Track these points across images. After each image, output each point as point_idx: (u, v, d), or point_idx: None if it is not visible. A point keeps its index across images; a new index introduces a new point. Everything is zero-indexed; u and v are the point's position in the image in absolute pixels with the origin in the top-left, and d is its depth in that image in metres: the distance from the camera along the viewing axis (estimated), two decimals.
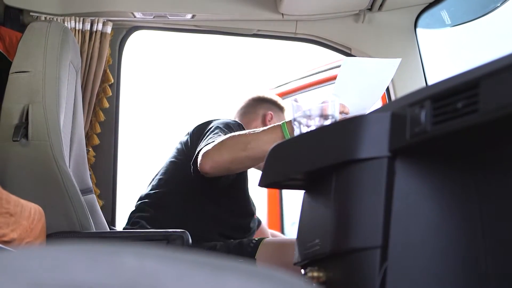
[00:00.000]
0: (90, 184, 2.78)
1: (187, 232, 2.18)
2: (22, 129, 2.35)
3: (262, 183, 1.51)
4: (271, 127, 2.26)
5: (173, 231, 2.20)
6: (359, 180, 1.23)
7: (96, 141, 3.10)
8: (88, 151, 2.99)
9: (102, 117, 3.12)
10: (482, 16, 2.91)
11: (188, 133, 2.69)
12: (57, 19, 2.90)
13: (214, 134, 2.44)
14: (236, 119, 2.84)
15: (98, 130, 3.10)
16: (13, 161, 2.37)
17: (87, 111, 3.01)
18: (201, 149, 2.34)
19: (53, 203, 2.33)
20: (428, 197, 1.19)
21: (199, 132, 2.59)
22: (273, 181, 1.50)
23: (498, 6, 2.80)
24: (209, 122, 2.62)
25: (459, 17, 3.09)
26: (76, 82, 2.70)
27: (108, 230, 2.78)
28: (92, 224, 2.44)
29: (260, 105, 2.96)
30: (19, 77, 2.44)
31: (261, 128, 2.30)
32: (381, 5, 2.95)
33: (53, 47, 2.46)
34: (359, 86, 2.32)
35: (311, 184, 1.45)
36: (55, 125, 2.38)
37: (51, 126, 2.37)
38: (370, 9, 3.02)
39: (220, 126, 2.51)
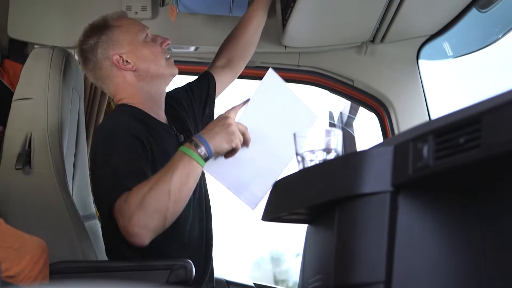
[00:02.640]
0: (93, 209, 2.77)
1: (190, 261, 2.09)
2: (25, 157, 2.35)
3: (265, 218, 1.51)
4: (176, 159, 2.04)
5: (176, 261, 2.15)
6: (362, 215, 1.23)
7: None
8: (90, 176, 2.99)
9: None
10: (484, 48, 2.93)
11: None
12: None
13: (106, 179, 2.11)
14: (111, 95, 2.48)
15: None
16: (16, 189, 2.37)
17: (90, 144, 3.01)
18: (119, 217, 2.01)
19: (56, 231, 2.33)
20: (431, 231, 1.19)
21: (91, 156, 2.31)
22: (276, 215, 1.50)
23: (500, 38, 2.81)
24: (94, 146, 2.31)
25: (461, 48, 3.11)
26: (79, 107, 2.71)
27: None
28: (95, 251, 2.43)
29: (95, 51, 2.38)
30: (21, 104, 2.45)
31: (165, 168, 2.04)
32: (383, 37, 2.97)
33: (56, 73, 2.47)
34: (271, 117, 2.18)
35: (314, 218, 1.45)
36: (58, 152, 2.39)
37: (54, 154, 2.38)
38: (372, 41, 3.03)
39: (105, 155, 2.16)
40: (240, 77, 2.86)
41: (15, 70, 2.94)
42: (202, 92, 2.62)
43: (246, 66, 3.10)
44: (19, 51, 3.05)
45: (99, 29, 2.39)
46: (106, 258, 2.34)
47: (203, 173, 2.34)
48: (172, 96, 2.55)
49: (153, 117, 2.35)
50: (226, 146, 2.06)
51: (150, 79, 2.36)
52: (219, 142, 2.05)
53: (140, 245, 1.99)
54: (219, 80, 2.67)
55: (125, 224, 1.98)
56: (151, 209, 1.97)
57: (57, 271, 2.09)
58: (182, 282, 2.08)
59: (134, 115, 2.29)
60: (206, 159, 2.04)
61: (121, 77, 2.37)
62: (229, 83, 2.76)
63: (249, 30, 2.73)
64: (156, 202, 1.98)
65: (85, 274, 2.17)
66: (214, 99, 2.66)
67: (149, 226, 1.97)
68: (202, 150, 2.03)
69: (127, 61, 2.35)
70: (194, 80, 2.67)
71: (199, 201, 2.36)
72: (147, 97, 2.37)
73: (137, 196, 1.98)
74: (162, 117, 2.41)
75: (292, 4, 2.60)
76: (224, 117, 2.10)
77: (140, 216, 1.96)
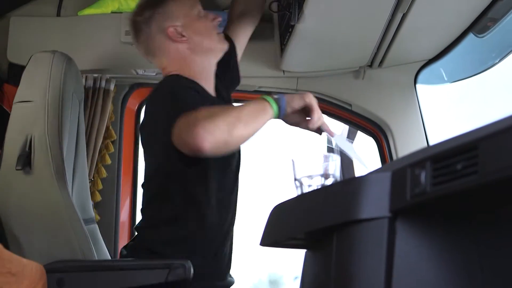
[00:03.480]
0: (93, 214, 2.77)
1: (189, 261, 2.12)
2: (25, 158, 2.37)
3: (263, 243, 1.51)
4: (258, 101, 2.12)
5: (175, 260, 2.15)
6: (360, 240, 1.23)
7: (98, 197, 3.11)
8: (91, 181, 3.00)
9: (104, 173, 3.13)
10: (481, 73, 2.94)
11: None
12: None
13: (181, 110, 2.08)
14: (161, 69, 2.48)
15: (100, 186, 3.11)
16: (16, 190, 2.39)
17: (89, 167, 3.01)
18: (182, 126, 2.02)
19: (55, 231, 2.33)
20: (429, 257, 1.19)
21: (152, 118, 2.27)
22: (274, 240, 1.50)
23: (497, 63, 2.83)
24: (153, 101, 2.29)
25: (458, 73, 3.12)
26: (79, 112, 2.72)
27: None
28: (94, 252, 2.43)
29: (149, 23, 2.41)
30: (22, 106, 2.47)
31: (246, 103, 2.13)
32: (381, 62, 2.99)
33: (56, 77, 2.49)
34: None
35: (313, 243, 1.45)
36: (58, 154, 2.40)
37: (54, 155, 2.39)
38: (370, 65, 3.05)
39: (176, 100, 2.16)
40: (240, 101, 2.87)
41: (14, 94, 2.95)
42: (228, 64, 2.66)
43: (244, 90, 3.12)
44: (18, 75, 3.06)
45: (154, 1, 2.42)
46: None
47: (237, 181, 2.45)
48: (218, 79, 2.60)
49: (205, 89, 2.40)
50: (298, 101, 2.18)
51: (202, 52, 2.41)
52: (292, 97, 2.18)
53: (198, 150, 1.95)
54: (238, 41, 2.72)
55: (189, 126, 1.97)
56: (219, 119, 1.98)
57: (56, 270, 2.10)
58: (180, 281, 2.09)
59: (189, 83, 2.32)
60: (279, 106, 2.12)
61: (174, 49, 2.40)
62: (248, 36, 2.79)
63: None
64: (225, 116, 2.00)
65: (84, 273, 2.18)
66: (237, 63, 2.73)
67: (214, 132, 1.95)
68: (278, 98, 2.13)
69: (181, 34, 2.38)
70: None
71: (232, 199, 2.42)
72: (198, 70, 2.41)
73: (206, 110, 2.02)
74: (211, 90, 2.46)
75: (290, 30, 2.61)
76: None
77: (207, 121, 1.96)
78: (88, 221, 2.65)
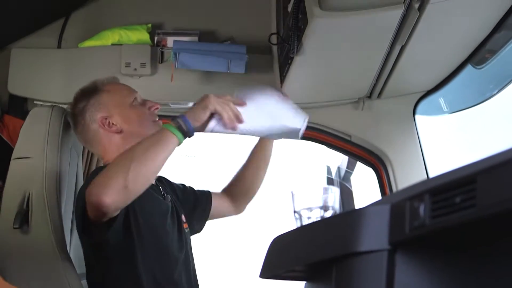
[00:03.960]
0: None
1: None
2: (22, 215, 2.35)
3: (263, 275, 1.51)
4: (154, 134, 2.10)
5: None
6: (360, 273, 1.23)
7: None
8: None
9: None
10: (479, 104, 2.96)
11: None
12: None
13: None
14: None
15: None
16: (13, 248, 2.37)
17: None
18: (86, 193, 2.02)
19: None
20: None
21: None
22: (274, 273, 1.50)
23: (495, 94, 2.84)
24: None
25: (457, 104, 3.13)
26: (78, 166, 2.72)
27: None
28: None
29: (83, 114, 2.45)
30: (20, 163, 2.45)
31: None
32: (380, 93, 3.00)
33: (55, 132, 2.48)
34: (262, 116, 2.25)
35: (312, 275, 1.45)
36: (56, 212, 2.39)
37: (52, 213, 2.38)
38: (369, 97, 3.06)
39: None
40: None
41: (14, 126, 2.96)
42: (198, 203, 2.70)
43: None
44: (19, 106, 3.08)
45: (88, 93, 2.46)
46: None
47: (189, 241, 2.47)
48: (169, 182, 2.65)
49: None
50: (202, 113, 2.12)
51: (135, 140, 2.30)
52: (193, 111, 2.12)
53: (99, 206, 1.95)
54: (216, 207, 2.76)
55: (88, 189, 1.98)
56: (112, 171, 1.98)
57: None
58: None
59: None
60: (182, 131, 2.07)
61: (107, 139, 2.41)
62: (227, 215, 2.84)
63: (250, 170, 2.82)
64: (118, 164, 2.00)
65: None
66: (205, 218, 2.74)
67: (108, 184, 1.94)
68: (178, 121, 2.08)
69: (112, 123, 2.40)
70: (197, 189, 2.75)
71: (186, 264, 2.40)
72: None
73: (104, 170, 2.02)
74: None
75: (289, 61, 2.63)
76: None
77: (101, 177, 1.97)
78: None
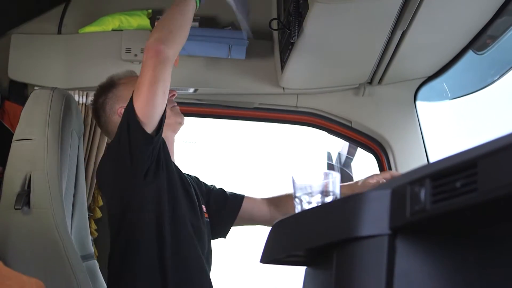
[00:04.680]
0: (92, 249, 2.77)
1: None
2: (24, 197, 2.36)
3: (263, 260, 1.51)
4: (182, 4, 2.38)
5: None
6: (360, 258, 1.23)
7: (99, 214, 3.11)
8: (90, 215, 2.99)
9: (101, 202, 3.13)
10: (480, 90, 2.95)
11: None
12: None
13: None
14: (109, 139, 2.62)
15: (101, 203, 3.11)
16: (15, 229, 2.37)
17: (89, 185, 3.01)
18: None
19: (54, 270, 2.32)
20: (430, 274, 1.19)
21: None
22: (274, 257, 1.50)
23: (496, 80, 2.84)
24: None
25: (458, 90, 3.13)
26: (79, 148, 2.72)
27: None
28: None
29: (103, 108, 2.57)
30: (21, 144, 2.46)
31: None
32: (380, 79, 3.00)
33: (56, 114, 2.48)
34: None
35: (313, 260, 1.45)
36: (57, 193, 2.39)
37: (53, 194, 2.38)
38: (370, 82, 3.06)
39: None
40: (239, 118, 2.88)
41: (15, 112, 2.96)
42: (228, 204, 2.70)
43: (244, 108, 3.13)
44: (19, 92, 3.08)
45: (106, 88, 2.56)
46: None
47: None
48: (199, 180, 2.69)
49: None
50: None
51: None
52: None
53: (162, 55, 2.25)
54: (248, 211, 2.74)
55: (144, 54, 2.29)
56: (160, 26, 2.35)
57: None
58: None
59: None
60: None
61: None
62: (260, 222, 2.80)
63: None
64: (159, 28, 2.35)
65: None
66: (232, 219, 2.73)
67: (160, 37, 2.29)
68: None
69: None
70: (229, 191, 2.74)
71: (207, 258, 2.46)
72: None
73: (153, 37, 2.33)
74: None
75: (290, 47, 2.62)
76: None
77: (149, 42, 2.29)
78: (87, 257, 2.64)
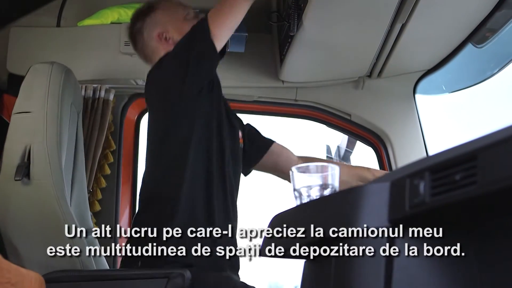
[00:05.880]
0: (91, 224, 2.77)
1: (187, 270, 2.13)
2: (24, 168, 2.37)
3: (262, 254, 1.51)
4: None
5: (174, 269, 2.15)
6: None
7: (98, 207, 3.11)
8: (90, 191, 2.99)
9: (103, 183, 3.12)
10: (480, 83, 2.95)
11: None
12: None
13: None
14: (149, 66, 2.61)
15: (100, 196, 3.11)
16: (15, 200, 2.38)
17: (88, 177, 3.01)
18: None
19: (54, 241, 2.32)
20: (428, 267, 1.19)
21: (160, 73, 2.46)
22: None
23: (495, 73, 2.83)
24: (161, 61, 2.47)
25: (457, 83, 3.13)
26: (78, 124, 2.73)
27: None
28: (93, 262, 2.43)
29: (141, 33, 2.59)
30: (21, 117, 2.47)
31: None
32: (380, 72, 2.99)
33: (55, 87, 2.49)
34: None
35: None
36: (56, 165, 2.40)
37: (53, 166, 2.38)
38: (369, 76, 3.05)
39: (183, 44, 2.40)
40: (239, 111, 2.87)
41: (14, 105, 2.95)
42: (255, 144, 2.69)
43: (243, 101, 3.12)
44: (18, 86, 3.06)
45: (144, 13, 2.59)
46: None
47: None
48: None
49: None
50: None
51: None
52: None
53: (216, 32, 2.31)
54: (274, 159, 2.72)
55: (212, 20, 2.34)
56: (215, 11, 2.35)
57: (56, 279, 2.10)
58: None
59: None
60: None
61: (165, 53, 2.46)
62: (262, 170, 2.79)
63: None
64: (219, 11, 2.36)
65: (83, 283, 2.18)
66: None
67: (217, 19, 2.32)
68: None
69: (169, 37, 2.50)
70: (260, 134, 2.73)
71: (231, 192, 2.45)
72: None
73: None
74: None
75: (289, 40, 2.62)
76: None
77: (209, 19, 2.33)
78: (86, 231, 2.64)
